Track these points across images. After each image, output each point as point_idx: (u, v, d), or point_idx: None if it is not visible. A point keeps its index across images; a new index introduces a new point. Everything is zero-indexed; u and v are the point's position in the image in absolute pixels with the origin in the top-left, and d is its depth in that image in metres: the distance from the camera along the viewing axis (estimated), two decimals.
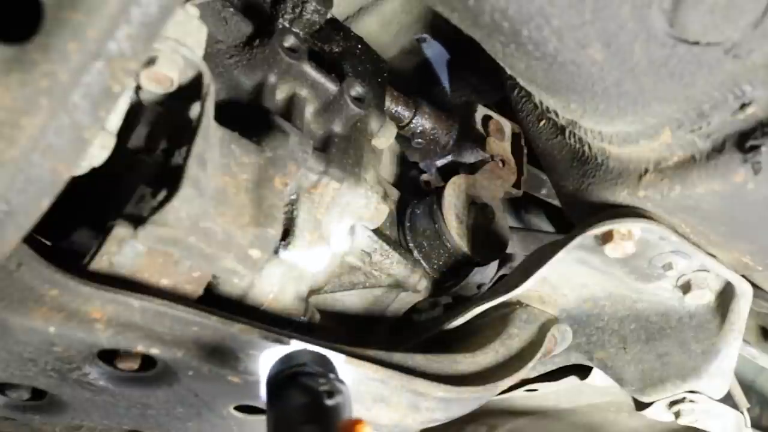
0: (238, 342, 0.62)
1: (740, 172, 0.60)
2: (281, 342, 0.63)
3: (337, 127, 0.87)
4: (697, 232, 0.73)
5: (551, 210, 1.48)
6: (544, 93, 0.69)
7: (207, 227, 0.61)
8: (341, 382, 0.56)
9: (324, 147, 0.84)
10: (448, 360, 0.82)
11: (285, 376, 0.57)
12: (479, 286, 1.05)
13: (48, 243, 0.65)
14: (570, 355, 0.98)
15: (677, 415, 0.91)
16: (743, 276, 0.79)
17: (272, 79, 0.81)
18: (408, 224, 1.01)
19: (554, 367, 1.03)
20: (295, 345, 0.63)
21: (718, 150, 0.62)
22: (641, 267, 0.81)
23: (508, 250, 1.09)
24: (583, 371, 1.05)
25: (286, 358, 0.60)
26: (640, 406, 0.94)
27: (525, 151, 1.14)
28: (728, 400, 0.97)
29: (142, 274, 0.61)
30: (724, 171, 0.62)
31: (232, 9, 0.80)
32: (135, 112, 0.64)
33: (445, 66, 1.21)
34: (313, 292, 0.86)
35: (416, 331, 0.96)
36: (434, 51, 1.19)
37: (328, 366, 0.60)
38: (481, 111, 1.10)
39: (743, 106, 0.59)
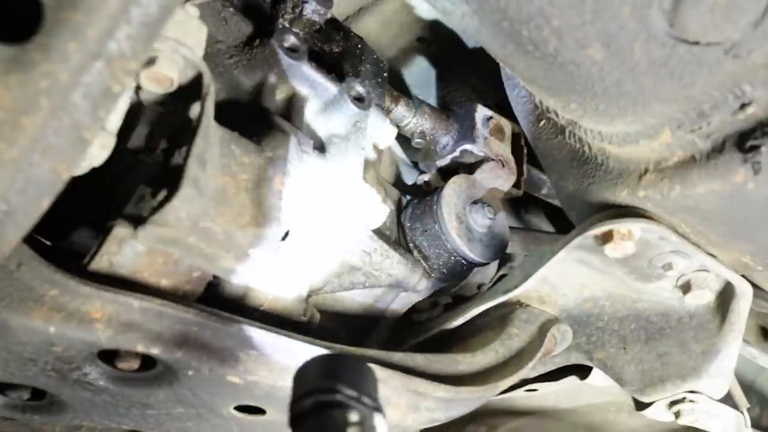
0: (238, 342, 0.62)
1: (740, 172, 0.60)
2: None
3: (337, 127, 0.87)
4: (697, 232, 0.73)
5: (551, 210, 1.47)
6: (544, 93, 0.69)
7: (207, 227, 0.61)
8: (378, 408, 0.42)
9: (324, 147, 0.84)
10: (448, 360, 0.82)
11: (308, 408, 0.41)
12: (479, 286, 1.05)
13: (48, 243, 0.65)
14: (570, 355, 0.98)
15: (677, 415, 0.91)
16: (743, 276, 0.79)
17: (272, 79, 0.81)
18: (408, 224, 1.01)
19: (554, 367, 1.03)
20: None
21: (718, 150, 0.62)
22: (641, 267, 0.81)
23: (508, 250, 1.09)
24: (583, 371, 1.05)
25: (307, 375, 0.43)
26: (640, 406, 0.94)
27: (525, 151, 1.14)
28: (728, 400, 0.97)
29: (142, 274, 0.61)
30: (724, 171, 0.62)
31: (232, 9, 0.80)
32: (135, 112, 0.63)
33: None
34: (312, 292, 0.86)
35: (416, 331, 0.96)
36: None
37: (362, 384, 0.43)
38: (481, 111, 1.09)
39: (743, 106, 0.59)
